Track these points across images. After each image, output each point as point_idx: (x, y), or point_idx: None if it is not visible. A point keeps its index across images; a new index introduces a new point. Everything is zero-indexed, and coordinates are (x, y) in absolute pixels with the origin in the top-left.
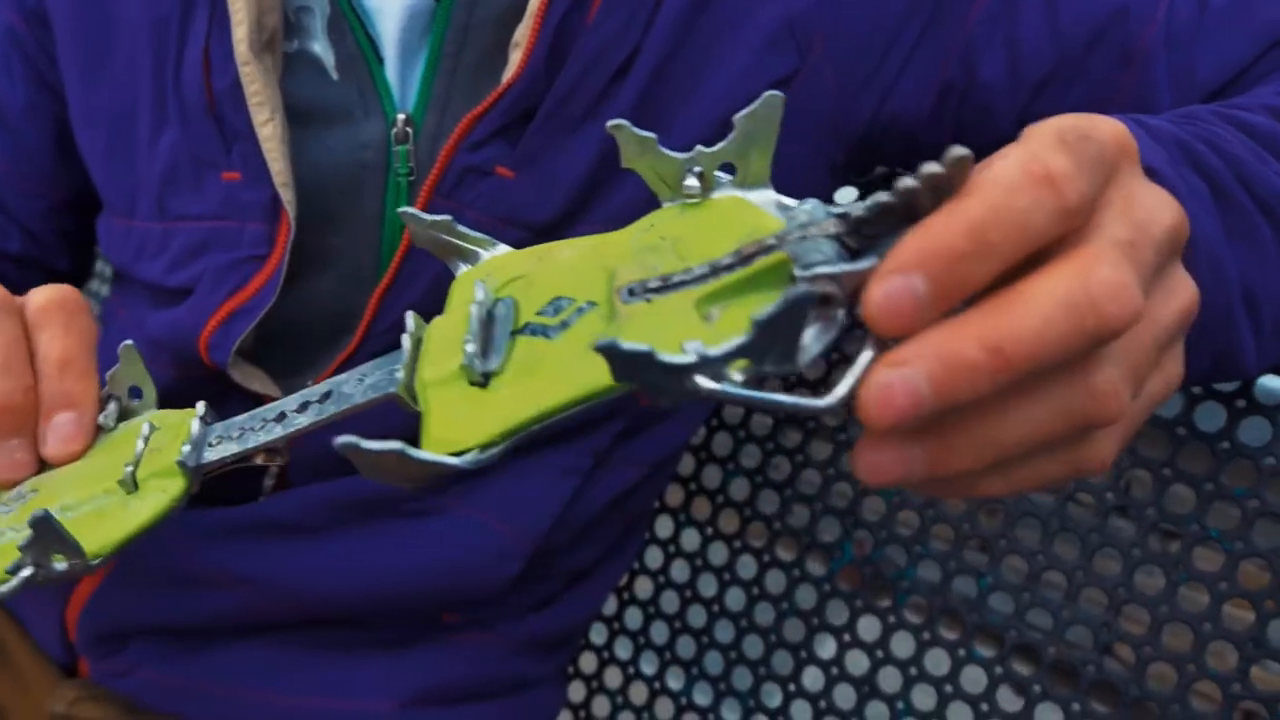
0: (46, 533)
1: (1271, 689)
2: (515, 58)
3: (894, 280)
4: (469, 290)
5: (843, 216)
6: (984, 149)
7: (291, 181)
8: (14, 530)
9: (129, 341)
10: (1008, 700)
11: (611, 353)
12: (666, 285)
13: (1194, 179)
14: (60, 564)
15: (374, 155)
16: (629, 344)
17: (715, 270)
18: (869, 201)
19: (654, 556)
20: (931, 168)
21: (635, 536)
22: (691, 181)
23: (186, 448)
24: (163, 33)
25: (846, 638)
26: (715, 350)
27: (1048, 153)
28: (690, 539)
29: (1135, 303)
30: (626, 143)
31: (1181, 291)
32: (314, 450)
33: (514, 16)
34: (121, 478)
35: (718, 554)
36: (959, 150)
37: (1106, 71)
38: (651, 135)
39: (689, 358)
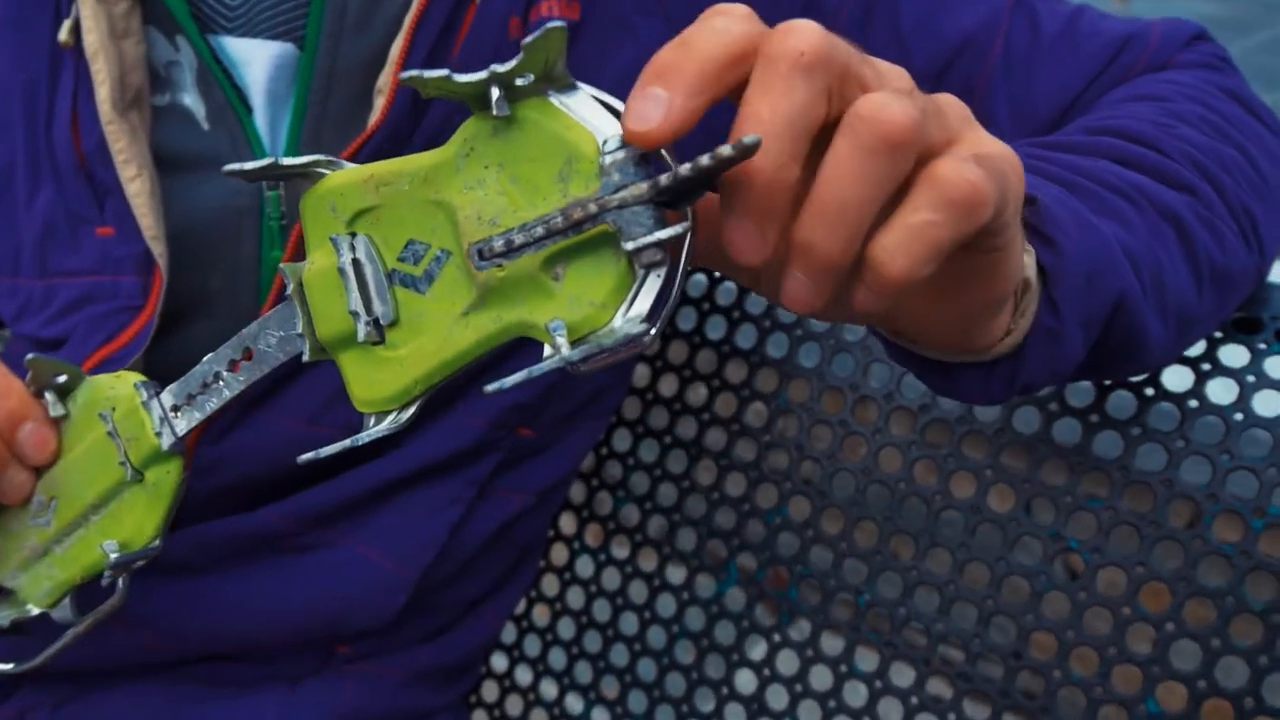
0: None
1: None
2: (379, 104)
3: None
4: (324, 221)
5: (653, 183)
6: None
7: (162, 234)
8: (58, 544)
9: (30, 355)
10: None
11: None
12: (511, 249)
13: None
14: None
15: (248, 201)
16: (509, 381)
17: (550, 233)
18: (675, 173)
19: (550, 584)
20: (725, 151)
21: (528, 565)
22: (496, 93)
23: (160, 435)
24: (33, 94)
25: (735, 657)
26: (577, 354)
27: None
28: (584, 565)
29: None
30: (424, 85)
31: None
32: (203, 488)
33: (375, 62)
34: (124, 475)
35: (611, 579)
36: (750, 139)
37: None
38: (444, 71)
39: (554, 364)
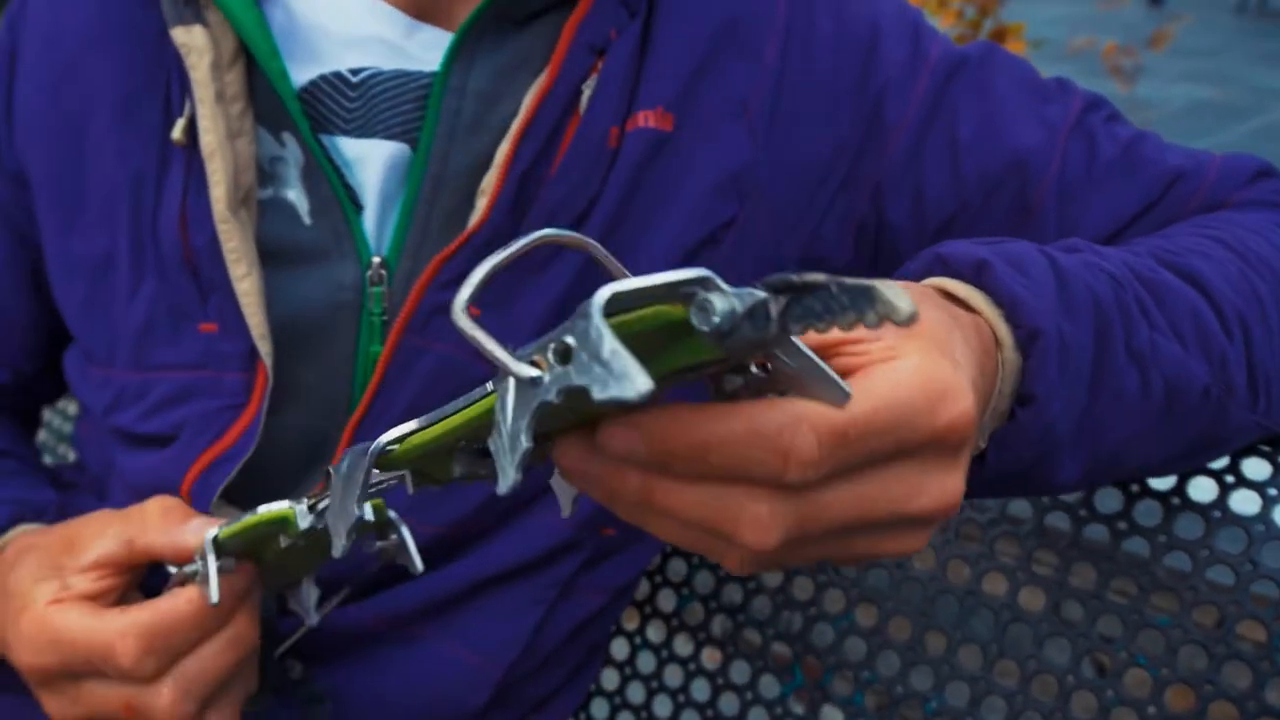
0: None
1: None
2: (481, 204)
3: (619, 435)
4: None
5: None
6: None
7: (268, 333)
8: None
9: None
10: None
11: None
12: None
13: (1081, 334)
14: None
15: (350, 296)
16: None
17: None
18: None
19: (610, 678)
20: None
21: (594, 661)
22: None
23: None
24: (139, 188)
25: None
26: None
27: (806, 432)
28: (646, 661)
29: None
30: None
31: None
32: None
33: (483, 164)
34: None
35: (673, 676)
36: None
37: (1002, 220)
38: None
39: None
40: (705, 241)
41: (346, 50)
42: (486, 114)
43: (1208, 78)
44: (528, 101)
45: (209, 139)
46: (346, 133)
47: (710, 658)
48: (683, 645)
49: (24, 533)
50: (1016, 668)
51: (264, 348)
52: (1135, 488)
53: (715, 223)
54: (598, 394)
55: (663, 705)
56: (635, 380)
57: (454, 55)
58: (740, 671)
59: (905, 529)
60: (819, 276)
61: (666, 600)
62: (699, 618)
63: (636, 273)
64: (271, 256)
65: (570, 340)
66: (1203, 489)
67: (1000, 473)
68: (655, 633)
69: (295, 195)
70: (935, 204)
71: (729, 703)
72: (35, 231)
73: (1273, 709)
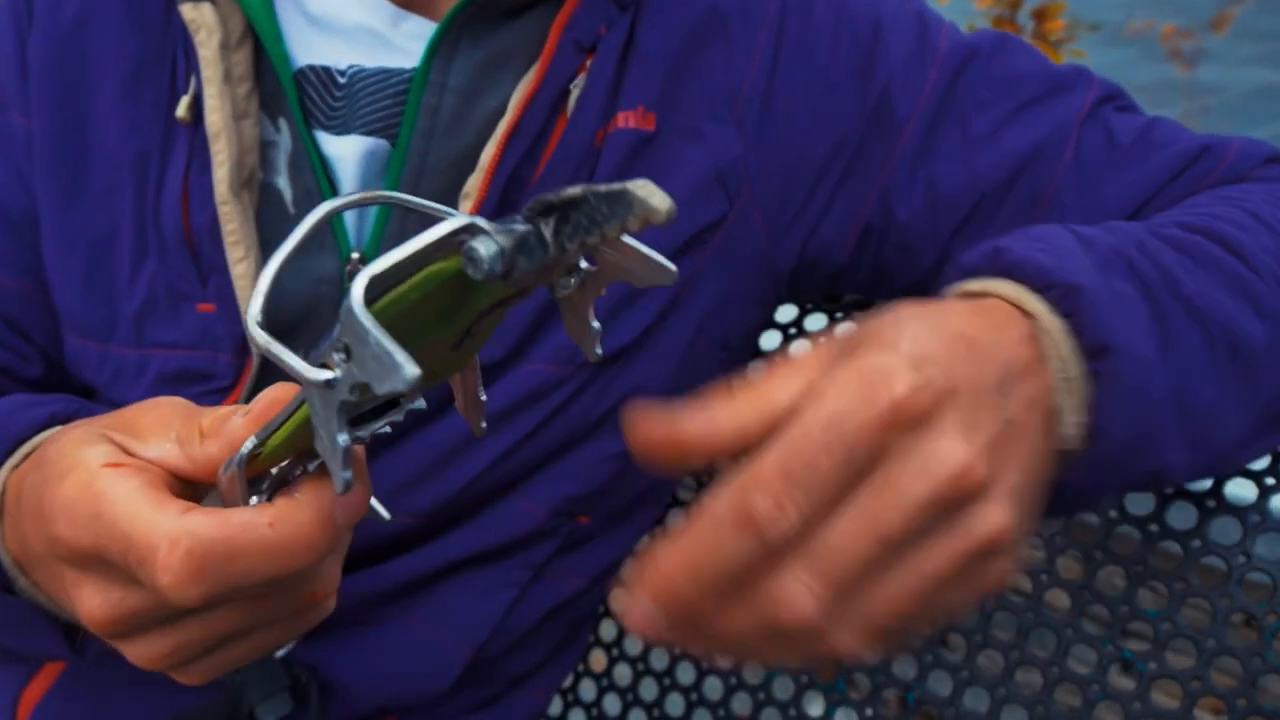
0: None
1: None
2: (466, 207)
3: (638, 607)
4: None
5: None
6: (905, 289)
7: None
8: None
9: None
10: None
11: None
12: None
13: (1125, 286)
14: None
15: (328, 289)
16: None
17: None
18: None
19: (598, 659)
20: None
21: (578, 640)
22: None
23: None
24: (144, 164)
25: None
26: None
27: (756, 491)
28: (633, 644)
29: None
30: None
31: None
32: None
33: (464, 162)
34: None
35: (659, 659)
36: None
37: (1017, 211)
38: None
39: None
40: (690, 242)
41: (334, 40)
42: (466, 110)
43: (1273, 61)
44: (515, 103)
45: (215, 118)
46: (327, 128)
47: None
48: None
49: (65, 426)
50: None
51: None
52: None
53: (702, 222)
54: (378, 389)
55: (649, 688)
56: (403, 371)
57: (434, 51)
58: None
59: (945, 536)
60: (576, 191)
61: None
62: None
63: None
64: (262, 244)
65: (348, 338)
66: (1243, 490)
67: (1104, 455)
68: None
69: (283, 183)
70: (950, 199)
71: (712, 687)
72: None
73: None
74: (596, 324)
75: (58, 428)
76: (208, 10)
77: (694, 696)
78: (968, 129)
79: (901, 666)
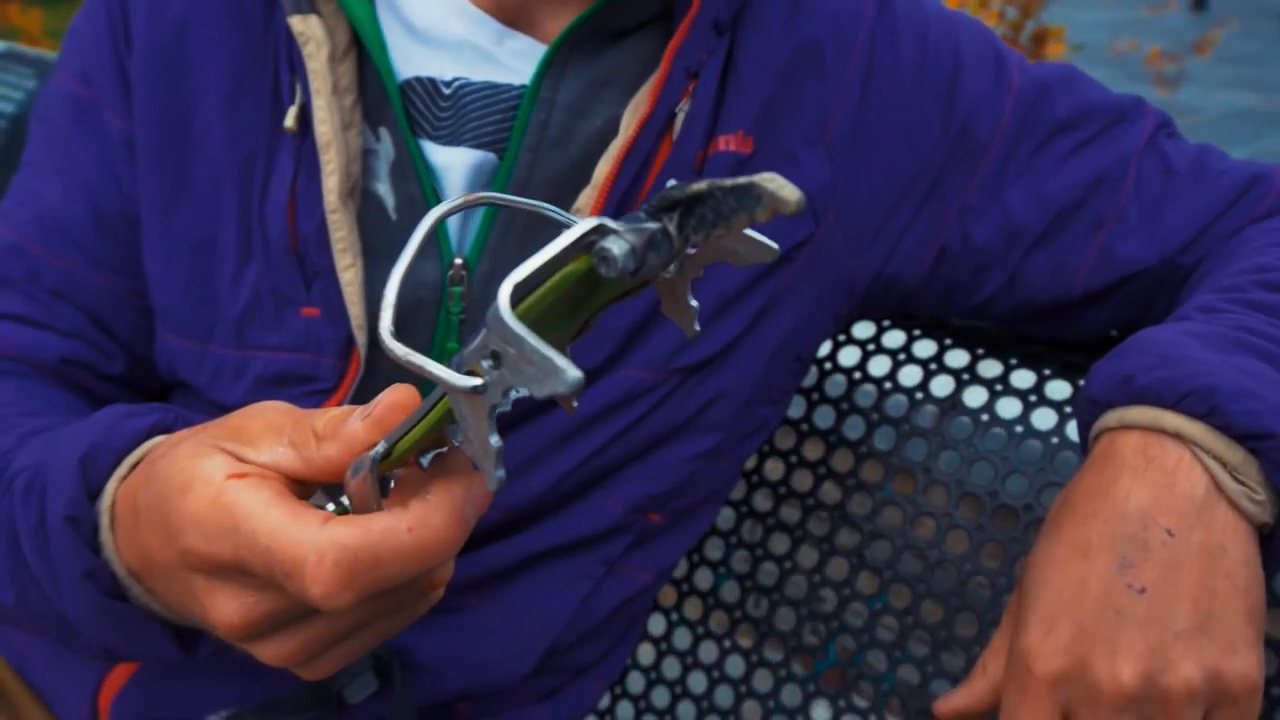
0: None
1: None
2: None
3: None
4: None
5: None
6: (975, 309)
7: (366, 324)
8: None
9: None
10: None
11: None
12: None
13: (1251, 363)
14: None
15: (429, 294)
16: None
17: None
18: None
19: (646, 653)
20: None
21: (632, 634)
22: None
23: None
24: (249, 173)
25: None
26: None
27: None
28: (682, 637)
29: None
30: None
31: None
32: None
33: (568, 177)
34: None
35: (708, 652)
36: None
37: (1081, 234)
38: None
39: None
40: (780, 259)
41: (438, 54)
42: (573, 127)
43: (1250, 85)
44: (631, 124)
45: (324, 129)
46: (434, 138)
47: (744, 634)
48: (718, 622)
49: (168, 436)
50: None
51: (360, 338)
52: None
53: (790, 242)
54: (536, 393)
55: (697, 681)
56: (566, 375)
57: (545, 68)
58: (774, 649)
59: None
60: (701, 185)
61: (704, 579)
62: (735, 596)
63: (711, 283)
64: (365, 249)
65: (496, 344)
66: None
67: None
68: (691, 610)
69: (384, 190)
70: (1023, 223)
71: (762, 679)
72: (137, 203)
73: None
74: (695, 302)
75: (159, 438)
76: (315, 23)
77: (743, 689)
78: (1040, 158)
79: (908, 673)
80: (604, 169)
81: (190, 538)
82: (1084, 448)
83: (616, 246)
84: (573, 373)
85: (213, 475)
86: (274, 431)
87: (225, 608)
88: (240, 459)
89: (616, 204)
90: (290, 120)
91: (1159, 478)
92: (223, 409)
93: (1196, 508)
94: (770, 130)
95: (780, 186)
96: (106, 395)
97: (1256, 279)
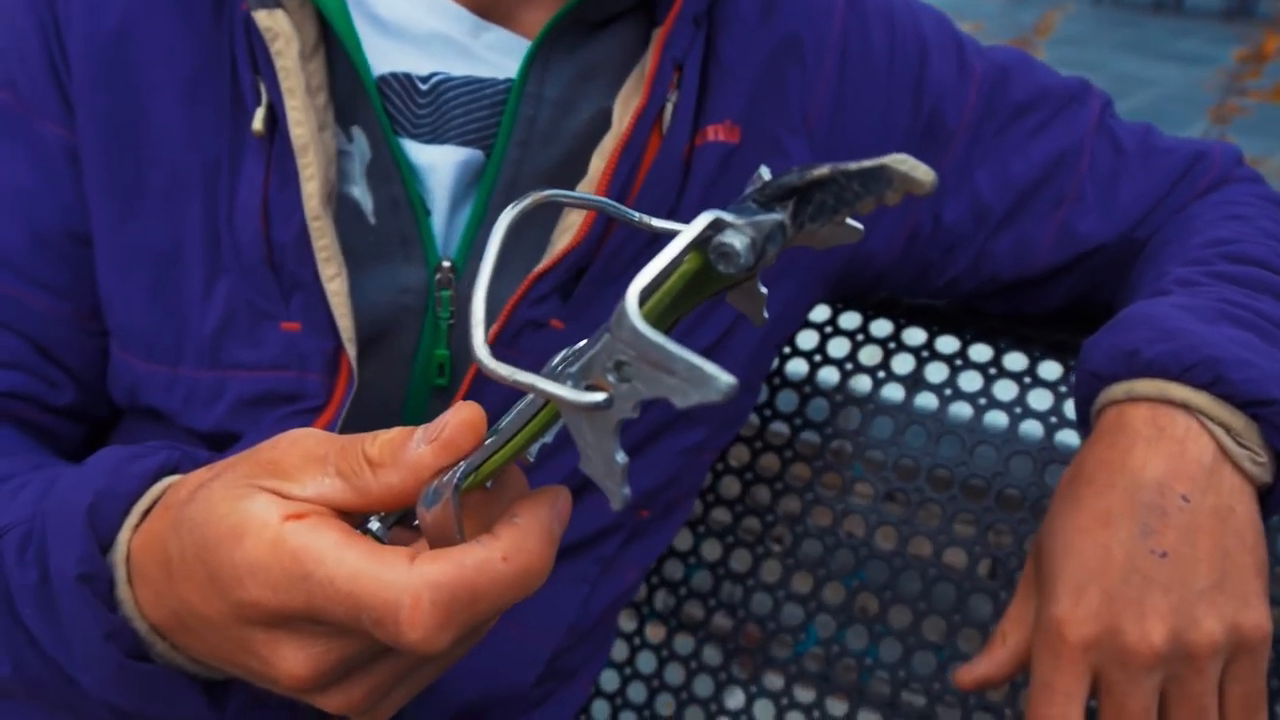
0: None
1: None
2: (575, 222)
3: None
4: None
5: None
6: (941, 288)
7: (355, 336)
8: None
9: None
10: None
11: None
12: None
13: (1238, 333)
14: None
15: (414, 299)
16: None
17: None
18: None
19: (619, 649)
20: None
21: (611, 633)
22: None
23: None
24: (213, 178)
25: (816, 715)
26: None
27: None
28: (655, 631)
29: None
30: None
31: None
32: None
33: (558, 172)
34: None
35: (684, 645)
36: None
37: (1042, 212)
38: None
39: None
40: None
41: (409, 48)
42: (561, 122)
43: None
44: (625, 118)
45: (301, 132)
46: (414, 136)
47: (710, 653)
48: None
49: (184, 478)
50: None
51: (351, 350)
52: None
53: None
54: (680, 403)
55: (674, 673)
56: (718, 381)
57: (530, 62)
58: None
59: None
60: (823, 170)
61: (673, 570)
62: (698, 616)
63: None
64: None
65: (622, 354)
66: None
67: None
68: (653, 634)
69: (359, 193)
70: (989, 203)
71: (771, 681)
72: (85, 217)
73: None
74: (764, 289)
75: (169, 479)
76: (282, 17)
77: (722, 677)
78: (1002, 140)
79: (889, 649)
80: (599, 164)
81: (251, 589)
82: (1082, 420)
83: (738, 241)
84: (725, 378)
85: (267, 518)
86: (316, 462)
87: (292, 660)
88: (284, 496)
89: (614, 198)
90: (258, 123)
91: (1171, 446)
92: (196, 435)
93: (1207, 473)
94: (756, 120)
95: (913, 168)
96: (51, 428)
97: (1220, 252)
